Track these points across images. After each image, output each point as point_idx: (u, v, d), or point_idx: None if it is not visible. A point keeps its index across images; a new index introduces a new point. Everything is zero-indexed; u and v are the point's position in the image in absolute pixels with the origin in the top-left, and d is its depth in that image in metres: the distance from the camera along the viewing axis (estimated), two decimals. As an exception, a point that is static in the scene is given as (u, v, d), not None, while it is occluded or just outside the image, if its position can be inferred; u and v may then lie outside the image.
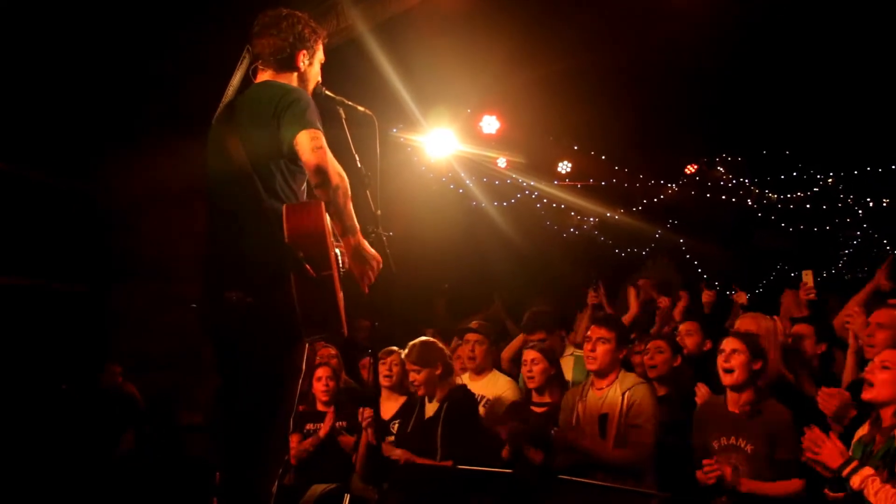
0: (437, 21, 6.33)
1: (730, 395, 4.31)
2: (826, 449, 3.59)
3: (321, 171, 2.92)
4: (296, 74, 3.32)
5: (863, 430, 3.78)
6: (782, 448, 4.05)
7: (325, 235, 2.92)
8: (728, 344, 4.32)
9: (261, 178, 3.06)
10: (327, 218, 2.98)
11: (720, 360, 4.30)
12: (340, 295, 3.03)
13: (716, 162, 11.39)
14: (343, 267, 3.16)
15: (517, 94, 8.73)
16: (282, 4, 3.45)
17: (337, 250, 3.10)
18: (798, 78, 8.52)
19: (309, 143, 2.94)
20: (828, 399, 4.07)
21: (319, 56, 3.41)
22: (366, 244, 3.16)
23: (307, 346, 3.17)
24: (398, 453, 4.90)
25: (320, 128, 3.01)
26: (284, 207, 2.96)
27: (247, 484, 3.06)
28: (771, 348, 4.69)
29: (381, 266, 3.22)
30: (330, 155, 2.96)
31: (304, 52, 3.31)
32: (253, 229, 3.03)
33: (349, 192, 3.02)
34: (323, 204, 2.96)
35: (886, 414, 3.64)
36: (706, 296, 7.53)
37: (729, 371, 4.25)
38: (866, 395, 3.70)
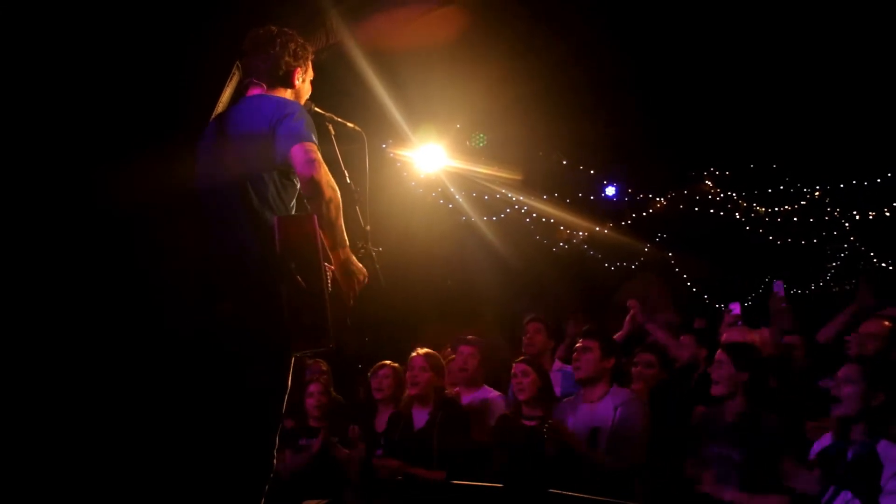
0: (428, 36, 6.36)
1: (726, 405, 4.37)
2: (802, 479, 3.64)
3: (315, 184, 2.96)
4: (290, 91, 3.35)
5: (824, 441, 3.83)
6: (772, 459, 4.08)
7: (317, 248, 2.94)
8: (717, 356, 4.40)
9: (254, 189, 3.09)
10: (320, 231, 3.00)
11: (712, 371, 4.39)
12: (330, 309, 3.04)
13: (703, 176, 11.45)
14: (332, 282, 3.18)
15: (506, 110, 8.77)
16: (270, 20, 3.48)
17: (327, 264, 3.13)
18: (784, 91, 8.58)
19: (304, 156, 2.98)
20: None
21: (309, 73, 3.45)
22: (354, 258, 3.18)
23: (293, 361, 3.18)
24: (392, 463, 4.91)
25: (315, 141, 3.04)
26: (276, 219, 2.99)
27: (232, 500, 3.06)
28: None
29: (366, 280, 3.25)
30: (324, 168, 2.99)
31: (300, 69, 3.34)
32: (245, 240, 3.05)
33: (341, 206, 3.05)
34: (315, 217, 2.98)
35: (856, 429, 3.68)
36: (698, 324, 7.61)
37: (716, 383, 4.32)
38: (836, 411, 3.74)
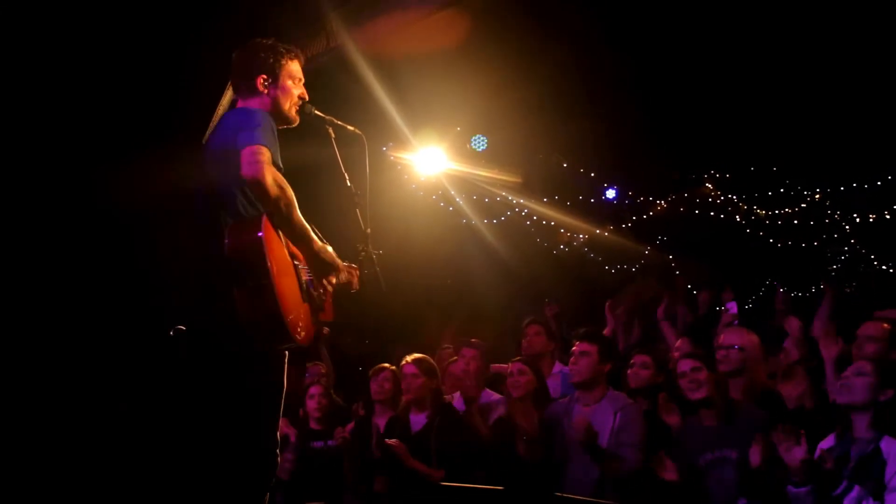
0: (427, 39, 6.38)
1: (702, 410, 4.39)
2: (799, 465, 3.64)
3: (256, 184, 2.99)
4: (264, 99, 3.38)
5: (827, 443, 3.83)
6: (764, 447, 4.11)
7: (261, 245, 2.97)
8: (687, 365, 4.43)
9: (223, 200, 3.16)
10: (270, 229, 3.04)
11: (684, 381, 4.41)
12: (291, 304, 3.06)
13: (704, 179, 11.44)
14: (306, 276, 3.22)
15: (506, 113, 8.78)
16: (271, 22, 3.51)
17: (297, 262, 3.19)
18: (784, 94, 8.59)
19: (247, 158, 3.01)
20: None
21: (291, 75, 3.43)
22: (326, 251, 3.21)
23: (284, 359, 3.21)
24: (393, 443, 4.92)
25: (265, 144, 3.06)
26: (229, 225, 3.04)
27: (237, 497, 3.08)
28: (754, 361, 4.76)
29: (343, 271, 3.33)
30: (267, 167, 3.00)
31: (264, 76, 3.37)
32: (209, 248, 3.10)
33: (292, 203, 3.08)
34: (265, 217, 3.03)
35: (861, 424, 3.68)
36: (703, 296, 7.58)
37: (697, 388, 4.38)
38: (842, 398, 3.75)
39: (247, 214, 3.14)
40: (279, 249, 3.08)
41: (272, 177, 3.00)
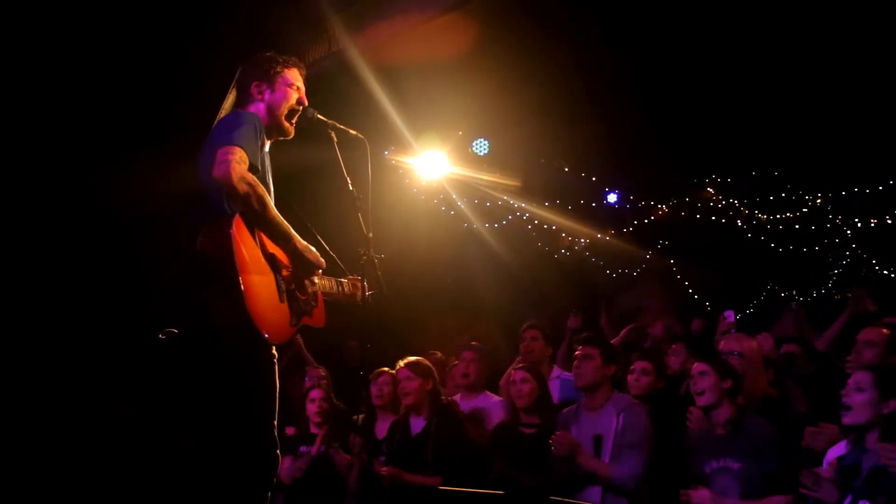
0: (429, 43, 6.38)
1: (712, 416, 4.38)
2: (823, 489, 3.60)
3: (224, 183, 3.00)
4: (258, 105, 3.39)
5: (839, 449, 3.80)
6: (767, 461, 4.09)
7: (230, 243, 2.98)
8: (695, 368, 4.41)
9: (211, 201, 3.16)
10: (243, 228, 3.05)
11: (691, 385, 4.40)
12: (263, 304, 3.06)
13: (705, 183, 11.44)
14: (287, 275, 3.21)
15: (508, 116, 8.78)
16: (273, 26, 3.53)
17: (278, 264, 3.19)
18: (786, 98, 8.59)
19: (219, 157, 3.02)
20: (816, 436, 4.09)
21: (287, 82, 3.44)
22: (305, 247, 3.21)
23: (273, 360, 3.21)
24: (385, 471, 4.93)
25: (240, 144, 3.07)
26: (204, 224, 3.06)
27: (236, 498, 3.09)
28: (754, 367, 4.75)
29: (323, 266, 3.30)
30: (235, 166, 3.00)
31: (256, 82, 3.40)
32: (192, 248, 3.12)
33: (264, 200, 3.09)
34: (238, 215, 3.04)
35: (871, 437, 3.64)
36: (696, 324, 7.61)
37: (700, 394, 4.33)
38: (846, 420, 3.70)
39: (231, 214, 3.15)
40: (252, 248, 3.07)
41: (240, 175, 3.00)
